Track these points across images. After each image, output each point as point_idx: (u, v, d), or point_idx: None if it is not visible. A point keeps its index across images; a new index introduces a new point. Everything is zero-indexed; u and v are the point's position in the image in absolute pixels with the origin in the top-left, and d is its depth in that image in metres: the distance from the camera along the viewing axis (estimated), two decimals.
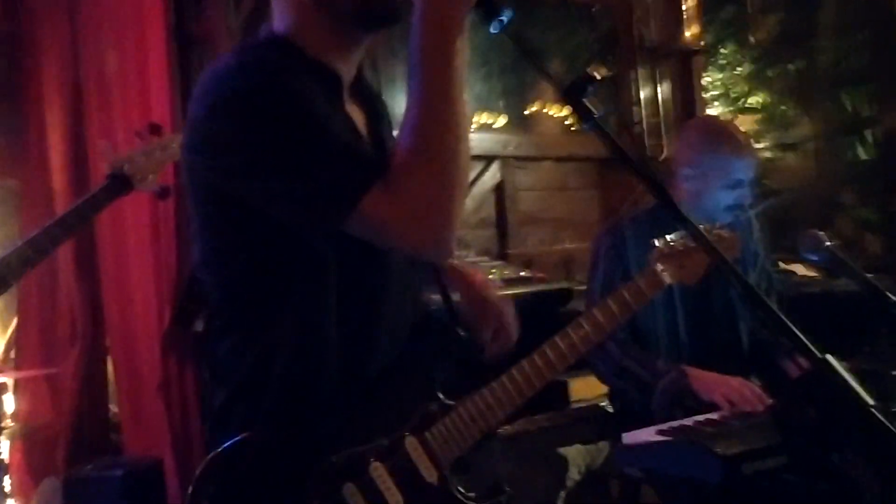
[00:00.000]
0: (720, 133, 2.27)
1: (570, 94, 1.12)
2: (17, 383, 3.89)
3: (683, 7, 4.28)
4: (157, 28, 3.00)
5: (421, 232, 1.12)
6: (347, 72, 1.29)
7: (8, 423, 3.77)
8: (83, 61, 3.53)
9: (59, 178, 3.73)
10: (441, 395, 1.36)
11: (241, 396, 1.27)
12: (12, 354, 4.09)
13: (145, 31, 3.07)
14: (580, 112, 1.10)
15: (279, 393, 1.24)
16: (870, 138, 5.73)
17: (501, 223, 3.75)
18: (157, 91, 3.00)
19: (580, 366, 2.27)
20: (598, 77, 1.14)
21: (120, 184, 2.16)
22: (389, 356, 1.31)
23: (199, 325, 2.92)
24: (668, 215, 1.07)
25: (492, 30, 1.16)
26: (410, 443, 1.31)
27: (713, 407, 2.03)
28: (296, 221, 1.17)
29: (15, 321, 4.08)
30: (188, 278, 2.89)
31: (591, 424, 2.84)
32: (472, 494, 1.35)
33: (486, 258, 3.36)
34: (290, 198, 1.14)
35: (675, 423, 1.94)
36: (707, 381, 2.06)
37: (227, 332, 1.28)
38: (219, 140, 1.16)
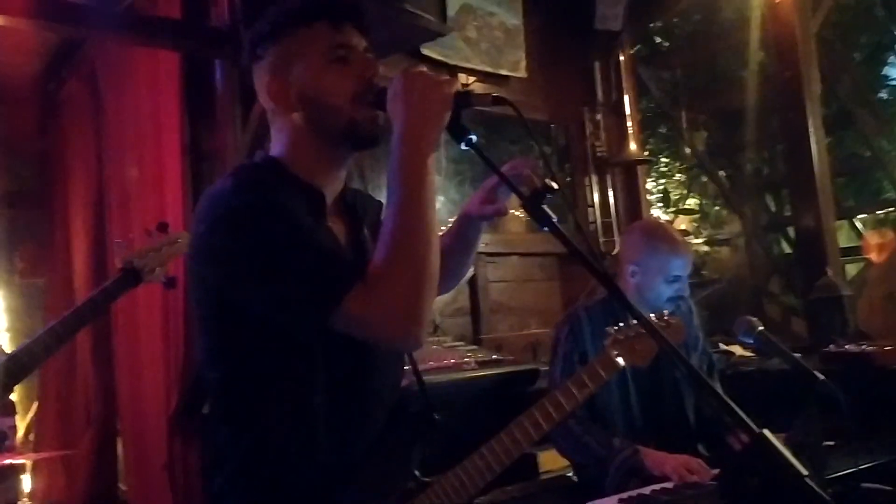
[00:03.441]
0: (658, 235, 2.29)
1: (530, 202, 1.13)
2: (34, 464, 3.75)
3: (628, 124, 4.41)
4: (174, 145, 3.03)
5: (395, 328, 1.12)
6: (331, 190, 1.31)
7: (25, 501, 3.61)
8: (106, 175, 3.56)
9: (80, 277, 3.71)
10: (418, 474, 1.32)
11: (236, 481, 1.24)
12: (31, 437, 3.96)
13: (163, 148, 3.10)
14: (539, 217, 1.11)
15: (271, 477, 1.21)
16: (791, 234, 5.85)
17: (475, 311, 3.75)
18: (172, 200, 3.01)
19: (548, 440, 2.24)
20: (555, 187, 1.16)
21: (131, 277, 2.14)
22: (371, 439, 1.28)
23: (206, 409, 2.84)
24: (618, 305, 1.07)
25: (462, 147, 1.19)
26: None
27: (665, 479, 2.00)
28: (287, 320, 1.17)
29: (35, 406, 3.97)
30: (196, 371, 2.83)
31: (559, 494, 2.77)
32: None
33: (461, 343, 3.34)
34: (281, 300, 1.14)
35: (633, 493, 1.90)
36: (658, 459, 2.03)
37: (226, 421, 1.26)
38: (218, 252, 1.17)
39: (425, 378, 1.45)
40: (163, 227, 2.25)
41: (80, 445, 3.55)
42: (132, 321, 3.23)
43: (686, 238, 2.98)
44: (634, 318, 1.41)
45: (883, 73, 7.15)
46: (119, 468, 3.55)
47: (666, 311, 2.06)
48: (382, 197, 1.24)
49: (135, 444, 3.22)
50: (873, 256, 4.81)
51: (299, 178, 1.26)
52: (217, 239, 1.17)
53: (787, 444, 0.93)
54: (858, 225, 6.52)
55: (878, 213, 6.68)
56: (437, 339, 3.11)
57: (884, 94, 7.10)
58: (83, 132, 3.78)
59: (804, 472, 0.87)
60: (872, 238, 5.02)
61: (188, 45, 2.98)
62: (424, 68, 1.21)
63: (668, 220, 6.39)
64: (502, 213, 1.39)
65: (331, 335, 1.13)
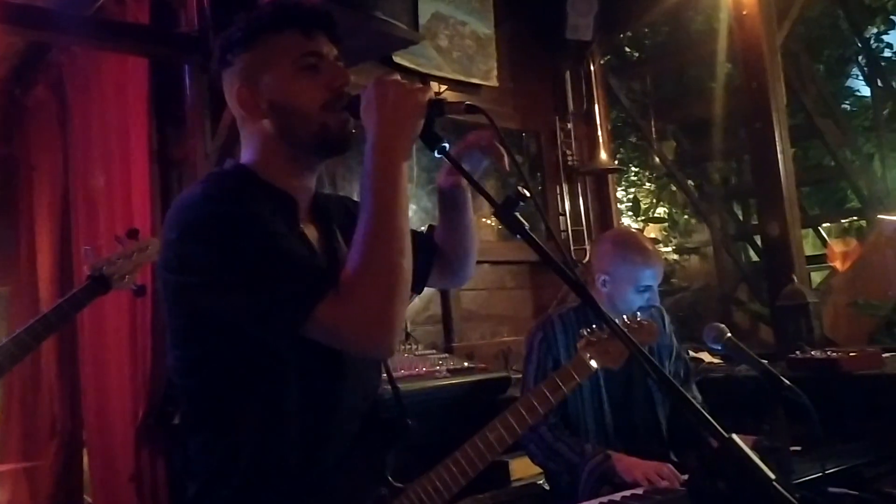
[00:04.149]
0: (629, 246, 2.30)
1: (502, 210, 1.14)
2: None
3: (599, 133, 4.45)
4: (142, 151, 3.00)
5: (367, 336, 1.11)
6: (303, 195, 1.30)
7: None
8: (72, 182, 3.50)
9: (45, 285, 3.64)
10: (391, 479, 1.32)
11: (210, 488, 1.22)
12: None
13: (130, 155, 3.06)
14: (512, 225, 1.12)
15: (244, 484, 1.20)
16: (758, 243, 5.94)
17: (447, 320, 3.74)
18: (140, 208, 2.97)
19: (519, 446, 2.24)
20: (527, 195, 1.16)
21: (99, 284, 2.11)
22: (344, 445, 1.27)
23: (177, 419, 2.80)
24: (591, 312, 1.08)
25: (436, 154, 1.20)
26: None
27: (636, 485, 2.01)
28: (259, 329, 1.16)
29: None
30: (166, 381, 2.78)
31: (531, 501, 2.77)
32: None
33: (433, 351, 3.33)
34: (253, 309, 1.13)
35: (604, 499, 1.91)
36: (629, 464, 2.05)
37: (197, 430, 1.25)
38: (189, 261, 1.16)
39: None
40: (133, 234, 2.22)
41: (45, 457, 3.48)
42: (99, 330, 3.18)
43: (656, 246, 3.02)
44: (604, 324, 1.42)
45: (847, 84, 7.34)
46: (85, 480, 3.48)
47: (639, 314, 2.09)
48: None
49: (101, 455, 3.16)
50: (838, 264, 4.92)
51: (271, 184, 1.26)
52: (188, 248, 1.16)
53: (754, 448, 0.94)
54: (823, 233, 6.65)
55: (842, 221, 6.82)
56: (408, 346, 3.10)
57: (847, 106, 7.28)
58: (50, 138, 3.72)
59: (772, 476, 0.88)
60: (837, 247, 5.14)
61: (157, 51, 2.95)
62: (398, 76, 1.21)
63: (638, 229, 6.46)
64: (458, 185, 1.39)
65: (304, 344, 1.13)
